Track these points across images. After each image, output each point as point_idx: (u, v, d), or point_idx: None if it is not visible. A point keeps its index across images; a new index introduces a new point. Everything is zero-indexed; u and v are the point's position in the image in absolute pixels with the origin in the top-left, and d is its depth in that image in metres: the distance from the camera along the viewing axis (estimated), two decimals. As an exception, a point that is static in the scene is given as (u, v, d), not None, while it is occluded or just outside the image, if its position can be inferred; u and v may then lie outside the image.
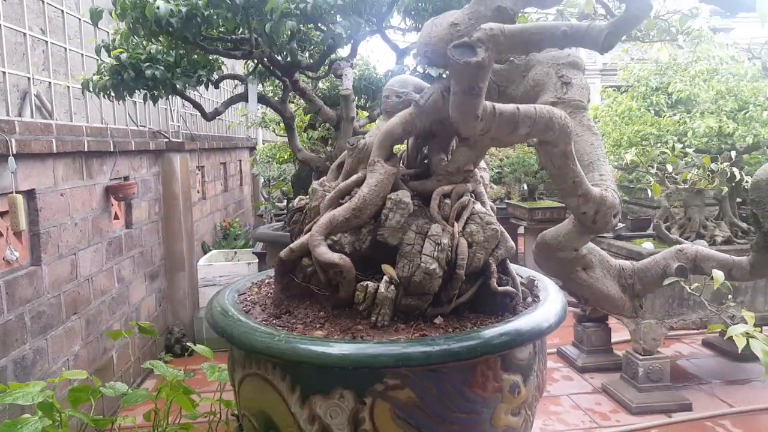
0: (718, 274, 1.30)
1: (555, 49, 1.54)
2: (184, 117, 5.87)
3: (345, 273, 1.48)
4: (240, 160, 7.78)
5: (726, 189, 3.89)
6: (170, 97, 5.16)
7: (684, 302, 4.18)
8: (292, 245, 1.57)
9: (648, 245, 4.31)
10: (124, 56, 2.40)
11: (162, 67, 2.43)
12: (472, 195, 1.65)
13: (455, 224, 1.55)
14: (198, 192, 6.11)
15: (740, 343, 1.26)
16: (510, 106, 1.10)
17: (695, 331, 4.99)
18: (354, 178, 1.59)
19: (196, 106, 3.18)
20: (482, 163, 1.87)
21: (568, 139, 1.15)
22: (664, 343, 5.13)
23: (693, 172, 2.89)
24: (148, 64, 2.43)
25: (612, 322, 4.74)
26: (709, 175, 2.95)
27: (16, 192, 3.17)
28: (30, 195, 3.41)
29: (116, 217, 4.28)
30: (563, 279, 1.46)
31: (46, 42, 2.74)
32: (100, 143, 4.08)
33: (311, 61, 2.38)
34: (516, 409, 1.53)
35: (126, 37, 2.34)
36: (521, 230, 6.74)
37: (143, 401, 2.48)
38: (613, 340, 4.82)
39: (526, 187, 6.18)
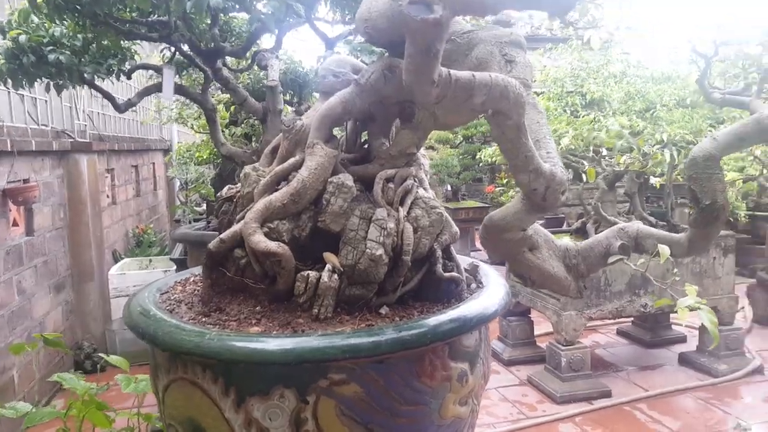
0: (665, 249, 1.31)
1: (499, 27, 1.53)
2: (91, 116, 5.49)
3: (283, 263, 1.38)
4: (153, 163, 7.38)
5: (634, 179, 4.09)
6: (75, 92, 4.80)
7: (601, 293, 4.35)
8: (222, 235, 1.44)
9: (565, 240, 4.46)
10: (23, 38, 2.16)
11: (68, 52, 2.21)
12: (415, 179, 1.59)
13: (400, 209, 1.49)
14: (108, 196, 5.73)
15: (683, 316, 1.28)
16: (466, 73, 1.05)
17: (611, 321, 5.22)
18: (292, 161, 1.50)
19: (107, 96, 2.94)
20: (422, 150, 1.83)
21: (522, 110, 1.12)
22: (582, 334, 5.33)
23: (626, 156, 3.00)
24: (51, 48, 2.20)
25: (534, 314, 4.86)
26: (641, 159, 3.07)
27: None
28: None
29: (15, 224, 3.91)
30: (510, 260, 1.44)
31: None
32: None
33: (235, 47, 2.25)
34: (464, 399, 1.48)
35: (25, 16, 2.11)
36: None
37: (50, 419, 2.24)
38: (536, 332, 4.96)
39: (449, 188, 6.26)
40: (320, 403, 1.29)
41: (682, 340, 5.00)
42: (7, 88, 3.93)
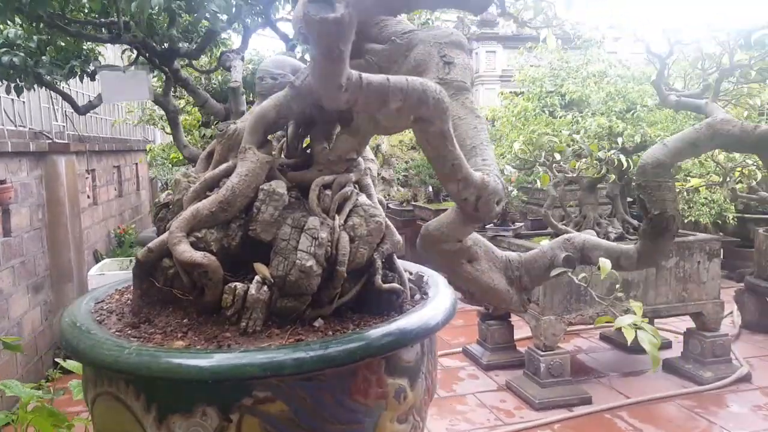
0: (605, 263, 1.25)
1: (440, 27, 1.47)
2: (71, 117, 5.42)
3: (210, 274, 1.32)
4: (136, 163, 7.32)
5: (615, 180, 4.04)
6: (51, 94, 4.73)
7: (581, 297, 4.29)
8: (150, 244, 1.38)
9: (545, 243, 4.41)
10: (-27, 39, 2.11)
11: (21, 54, 2.15)
12: (356, 186, 1.53)
13: (336, 217, 1.43)
14: (88, 197, 5.66)
15: (629, 335, 1.22)
16: (379, 77, 0.99)
17: (593, 326, 5.17)
18: (223, 167, 1.44)
19: (66, 98, 2.88)
20: (369, 154, 1.77)
21: (445, 116, 1.06)
22: (564, 339, 5.26)
23: (581, 161, 2.94)
24: (5, 50, 2.14)
25: (514, 319, 4.81)
26: (596, 164, 3.01)
27: None
28: None
29: (-8, 226, 3.85)
30: (448, 272, 1.38)
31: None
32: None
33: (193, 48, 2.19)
34: (403, 416, 1.42)
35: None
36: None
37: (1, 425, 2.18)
38: (516, 336, 4.90)
39: (431, 189, 6.20)
40: (244, 421, 1.23)
41: (667, 345, 4.94)
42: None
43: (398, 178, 6.76)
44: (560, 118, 4.20)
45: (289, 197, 1.44)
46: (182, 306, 1.38)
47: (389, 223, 1.54)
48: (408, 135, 5.86)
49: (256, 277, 1.33)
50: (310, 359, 1.21)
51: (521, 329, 4.98)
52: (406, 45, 1.44)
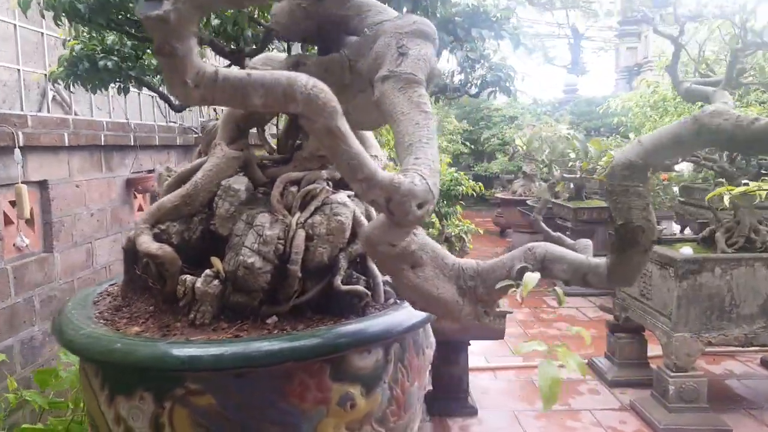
0: (531, 278, 1.06)
1: (410, 16, 1.36)
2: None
3: (167, 265, 1.38)
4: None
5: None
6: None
7: (724, 314, 3.69)
8: (130, 234, 1.49)
9: (686, 250, 3.86)
10: (78, 48, 2.45)
11: (115, 58, 2.44)
12: (329, 183, 1.49)
13: (298, 214, 1.41)
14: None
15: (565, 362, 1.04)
16: (239, 72, 0.95)
17: (754, 349, 4.41)
18: (196, 162, 1.49)
19: (163, 97, 3.21)
20: (376, 149, 1.71)
21: (324, 112, 0.98)
22: (713, 360, 4.60)
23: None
24: (102, 55, 2.45)
25: (650, 333, 4.29)
26: None
27: (23, 182, 3.35)
28: (42, 186, 3.60)
29: (141, 209, 4.44)
30: (392, 278, 1.28)
31: (64, 41, 2.89)
32: (121, 138, 4.25)
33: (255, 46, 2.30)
34: (354, 425, 1.36)
35: (77, 29, 2.37)
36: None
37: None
38: (652, 353, 4.37)
39: (572, 185, 5.75)
40: (175, 410, 1.28)
41: None
42: (138, 91, 4.50)
43: (541, 174, 6.39)
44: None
45: (258, 193, 1.45)
46: (153, 294, 1.47)
47: (364, 221, 1.47)
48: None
49: (207, 271, 1.37)
50: (228, 356, 1.21)
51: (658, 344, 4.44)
52: (373, 37, 1.36)
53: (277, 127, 1.62)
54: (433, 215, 3.72)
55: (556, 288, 1.10)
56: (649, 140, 1.08)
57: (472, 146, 11.50)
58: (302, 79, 0.96)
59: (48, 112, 3.74)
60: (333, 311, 1.43)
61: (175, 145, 4.79)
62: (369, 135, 1.74)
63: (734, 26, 1.37)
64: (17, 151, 3.28)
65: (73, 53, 2.46)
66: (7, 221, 3.31)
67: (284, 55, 1.58)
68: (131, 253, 1.51)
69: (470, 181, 3.87)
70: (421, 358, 1.57)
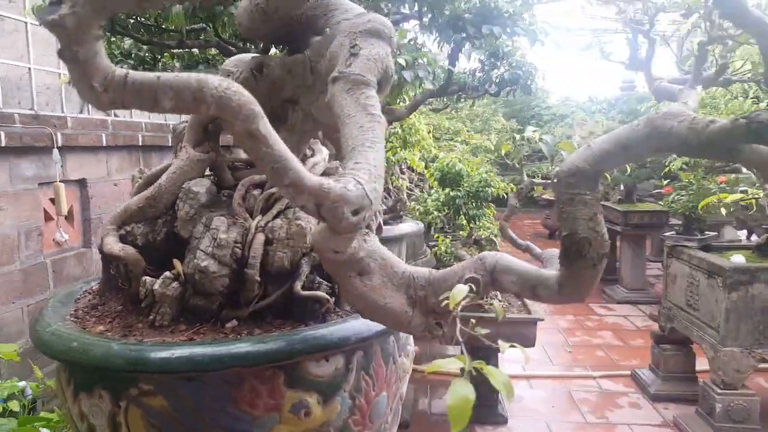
0: (458, 291, 0.99)
1: (371, 13, 1.31)
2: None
3: (131, 266, 1.39)
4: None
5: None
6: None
7: (779, 329, 3.41)
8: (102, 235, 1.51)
9: (738, 258, 3.59)
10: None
11: (132, 62, 2.51)
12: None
13: (258, 217, 1.39)
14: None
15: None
16: (149, 75, 0.93)
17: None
18: (163, 165, 1.50)
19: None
20: (322, 153, 1.67)
21: (240, 115, 0.94)
22: (769, 377, 4.27)
23: None
24: (120, 59, 2.53)
25: (698, 346, 4.03)
26: None
27: (62, 181, 3.51)
28: (82, 184, 3.77)
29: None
30: (338, 284, 1.23)
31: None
32: (159, 138, 4.39)
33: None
34: (310, 434, 1.33)
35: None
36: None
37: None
38: (701, 366, 4.10)
39: (623, 187, 5.47)
40: (130, 410, 1.28)
41: None
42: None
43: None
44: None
45: (223, 196, 1.44)
46: (124, 294, 1.48)
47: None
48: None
49: (166, 273, 1.37)
50: (176, 360, 1.21)
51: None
52: (331, 37, 1.32)
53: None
54: (462, 217, 3.63)
55: (494, 302, 1.03)
56: (598, 145, 0.99)
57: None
58: (213, 81, 0.93)
59: (89, 113, 3.91)
60: (294, 317, 1.40)
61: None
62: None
63: (704, 19, 1.23)
64: (56, 151, 3.44)
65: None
66: (48, 218, 3.48)
67: (252, 56, 1.57)
68: (106, 254, 1.53)
69: (503, 182, 3.74)
70: (392, 367, 1.51)
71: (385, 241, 2.66)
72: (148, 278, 1.37)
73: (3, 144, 2.99)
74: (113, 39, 2.50)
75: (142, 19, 2.17)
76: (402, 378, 1.60)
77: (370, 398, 1.44)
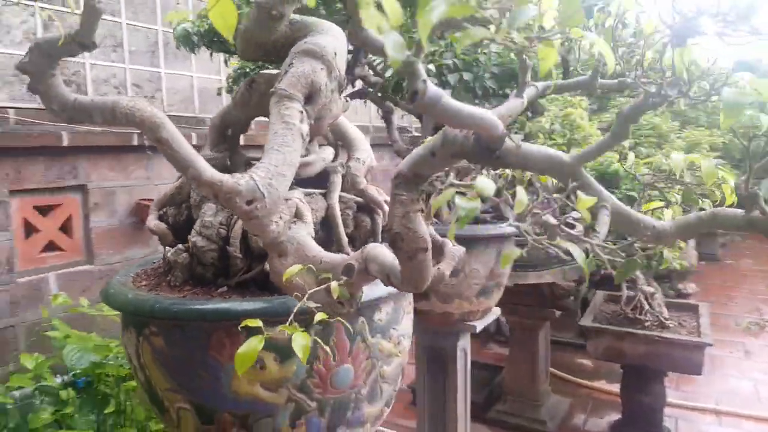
0: (291, 271, 1.14)
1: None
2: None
3: (161, 239, 1.81)
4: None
5: None
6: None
7: None
8: (161, 213, 1.96)
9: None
10: (235, 66, 3.08)
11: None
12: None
13: (245, 205, 1.68)
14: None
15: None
16: (86, 98, 1.27)
17: None
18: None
19: (374, 101, 3.68)
20: (362, 151, 1.86)
21: (144, 127, 1.23)
22: None
23: None
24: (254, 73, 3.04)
25: None
26: None
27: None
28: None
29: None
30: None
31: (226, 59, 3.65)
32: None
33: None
34: (268, 384, 1.60)
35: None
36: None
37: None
38: None
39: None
40: (143, 344, 1.71)
41: None
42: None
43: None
44: None
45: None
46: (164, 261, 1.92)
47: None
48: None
49: (178, 245, 1.75)
50: (158, 309, 1.59)
51: None
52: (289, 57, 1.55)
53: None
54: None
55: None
56: (417, 150, 1.08)
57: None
58: (123, 101, 1.25)
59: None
60: (270, 289, 1.68)
61: (387, 144, 5.33)
62: (360, 139, 1.90)
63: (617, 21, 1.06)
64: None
65: (236, 71, 3.11)
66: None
67: (274, 72, 1.86)
68: (165, 229, 1.99)
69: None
70: (359, 344, 1.70)
71: (476, 240, 2.76)
72: (168, 248, 1.78)
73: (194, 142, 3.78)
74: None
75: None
76: (382, 359, 1.77)
77: (330, 366, 1.66)
